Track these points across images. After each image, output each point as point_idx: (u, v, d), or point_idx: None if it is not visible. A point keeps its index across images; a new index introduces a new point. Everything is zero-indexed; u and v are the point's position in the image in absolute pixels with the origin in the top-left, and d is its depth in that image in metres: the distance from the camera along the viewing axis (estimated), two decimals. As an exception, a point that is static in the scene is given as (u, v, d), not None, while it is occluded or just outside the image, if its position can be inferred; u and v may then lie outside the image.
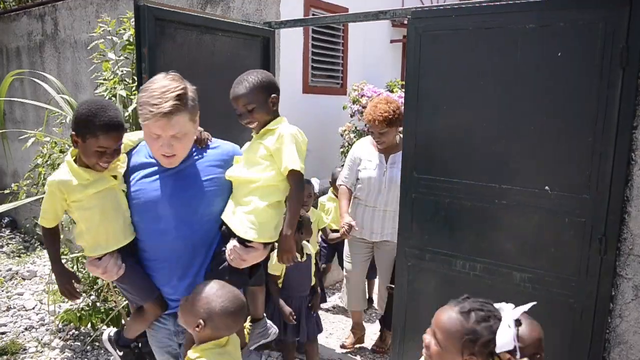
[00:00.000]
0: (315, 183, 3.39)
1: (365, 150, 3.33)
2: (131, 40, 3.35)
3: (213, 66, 2.74)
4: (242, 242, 1.74)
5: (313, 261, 3.07)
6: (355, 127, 5.38)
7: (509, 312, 1.39)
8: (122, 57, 3.48)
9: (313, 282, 3.07)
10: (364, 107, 5.29)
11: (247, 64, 2.96)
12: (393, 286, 2.74)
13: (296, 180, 1.76)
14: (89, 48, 3.98)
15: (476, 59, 2.25)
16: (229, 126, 2.90)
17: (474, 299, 1.46)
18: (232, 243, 1.75)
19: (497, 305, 1.44)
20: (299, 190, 1.78)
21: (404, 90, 2.68)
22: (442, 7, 2.38)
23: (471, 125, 2.30)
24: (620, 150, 1.95)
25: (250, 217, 1.74)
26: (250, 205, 1.75)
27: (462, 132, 2.33)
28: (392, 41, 7.18)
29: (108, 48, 3.57)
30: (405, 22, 2.47)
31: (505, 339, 1.33)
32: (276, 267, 2.88)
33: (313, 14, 5.50)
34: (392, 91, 5.82)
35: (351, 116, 5.28)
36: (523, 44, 2.12)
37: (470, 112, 2.29)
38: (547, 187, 2.12)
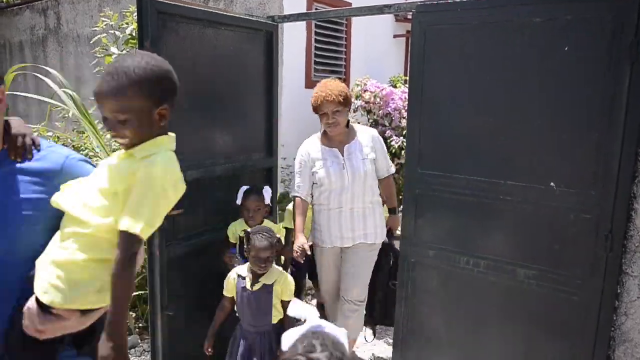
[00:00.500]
0: (267, 193, 2.85)
1: (315, 149, 2.91)
2: (134, 34, 3.34)
3: (216, 60, 2.73)
4: (43, 304, 1.17)
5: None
6: (358, 122, 5.35)
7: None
8: (124, 52, 3.47)
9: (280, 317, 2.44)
10: (367, 102, 5.27)
11: (250, 57, 2.95)
12: (396, 282, 2.73)
13: (123, 248, 1.12)
14: (91, 42, 3.97)
15: (481, 53, 2.22)
16: (232, 122, 2.90)
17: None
18: (30, 302, 1.19)
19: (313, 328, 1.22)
20: (122, 267, 1.11)
21: (407, 85, 2.66)
22: (447, 1, 2.36)
23: (476, 121, 2.27)
24: (628, 146, 1.92)
25: (57, 271, 1.16)
26: (64, 253, 1.18)
27: (466, 128, 2.31)
28: (395, 36, 7.14)
29: (111, 42, 3.56)
30: (409, 16, 2.44)
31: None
32: (229, 289, 2.50)
33: (316, 8, 5.47)
34: (395, 86, 5.80)
35: (354, 111, 5.26)
36: (529, 38, 2.09)
37: (475, 107, 2.27)
38: (552, 184, 2.10)
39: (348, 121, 2.97)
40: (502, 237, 2.27)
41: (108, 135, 3.63)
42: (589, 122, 1.99)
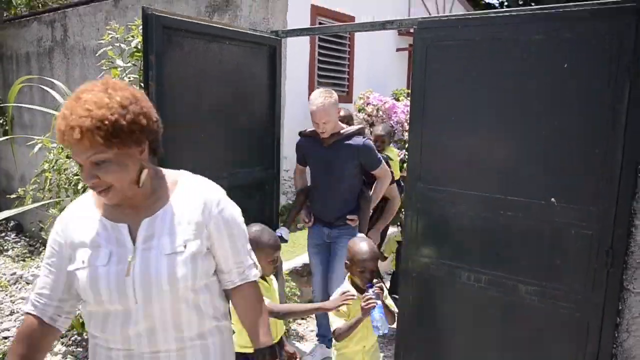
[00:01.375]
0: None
1: (80, 222, 1.34)
2: (139, 47, 3.37)
3: (220, 74, 2.75)
4: None
5: None
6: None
7: None
8: (130, 64, 3.50)
9: None
10: (370, 116, 5.30)
11: (254, 72, 2.97)
12: (397, 297, 2.73)
13: None
14: (97, 55, 4.01)
15: (483, 69, 2.24)
16: (235, 136, 2.92)
17: None
18: None
19: None
20: None
21: (409, 98, 2.67)
22: (448, 18, 2.38)
23: (477, 136, 2.29)
24: (628, 162, 1.93)
25: None
26: None
27: (468, 143, 2.32)
28: (398, 49, 7.20)
29: (116, 55, 3.59)
30: (412, 31, 2.47)
31: None
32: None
33: (320, 23, 5.53)
34: (397, 99, 5.83)
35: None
36: (530, 55, 2.11)
37: (476, 123, 2.28)
38: (553, 199, 2.11)
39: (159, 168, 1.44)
40: (503, 252, 2.26)
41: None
42: (589, 139, 2.00)
